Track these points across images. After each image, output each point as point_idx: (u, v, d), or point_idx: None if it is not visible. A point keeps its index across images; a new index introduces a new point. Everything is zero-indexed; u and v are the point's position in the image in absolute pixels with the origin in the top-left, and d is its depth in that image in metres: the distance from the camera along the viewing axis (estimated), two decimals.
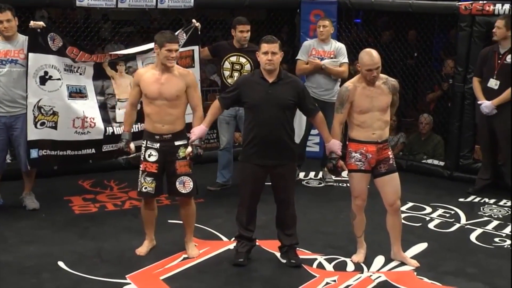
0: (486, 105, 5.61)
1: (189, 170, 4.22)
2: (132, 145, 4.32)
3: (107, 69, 5.34)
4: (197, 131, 4.16)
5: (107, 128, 5.26)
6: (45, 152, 5.05)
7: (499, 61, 5.58)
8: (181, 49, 5.46)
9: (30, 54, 4.88)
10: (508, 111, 5.55)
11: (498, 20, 5.55)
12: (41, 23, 4.95)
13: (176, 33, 5.49)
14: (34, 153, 5.00)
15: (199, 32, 5.52)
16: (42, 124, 5.00)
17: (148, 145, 4.21)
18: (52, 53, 4.98)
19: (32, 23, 4.91)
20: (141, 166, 4.25)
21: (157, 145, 4.18)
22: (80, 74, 5.20)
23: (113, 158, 5.61)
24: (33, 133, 4.97)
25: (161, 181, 4.27)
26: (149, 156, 4.20)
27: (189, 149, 4.13)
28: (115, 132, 5.24)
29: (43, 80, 4.96)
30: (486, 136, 5.77)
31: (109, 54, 5.50)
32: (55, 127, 5.06)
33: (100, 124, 5.21)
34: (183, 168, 4.20)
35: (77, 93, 5.16)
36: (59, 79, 5.03)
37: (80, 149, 5.20)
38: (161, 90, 4.12)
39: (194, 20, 5.52)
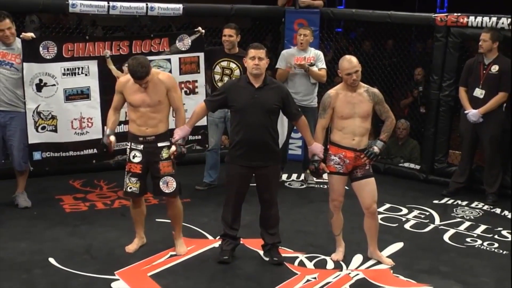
0: (473, 113, 5.73)
1: (172, 170, 4.30)
2: (112, 137, 4.33)
3: (113, 69, 5.43)
4: (181, 131, 4.26)
5: (106, 127, 5.37)
6: (48, 154, 5.24)
7: (484, 72, 5.70)
8: (186, 55, 5.63)
9: (24, 64, 5.03)
10: (493, 119, 5.70)
11: (483, 34, 5.64)
12: (31, 35, 5.09)
13: (180, 36, 5.62)
14: (37, 155, 5.19)
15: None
16: (43, 128, 5.20)
17: (132, 146, 4.30)
18: (46, 62, 5.12)
19: (22, 35, 5.04)
20: (126, 167, 4.35)
21: (141, 147, 4.27)
22: (86, 75, 5.33)
23: (116, 157, 5.67)
24: (35, 137, 5.16)
25: (145, 181, 4.35)
26: (133, 157, 4.29)
27: (173, 148, 4.23)
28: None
29: (39, 87, 5.14)
30: (469, 143, 5.91)
31: (104, 38, 5.57)
32: (55, 130, 5.25)
33: (98, 123, 5.39)
34: (166, 169, 4.28)
35: (77, 94, 5.32)
36: (54, 85, 5.20)
37: (82, 150, 5.39)
38: (144, 98, 4.20)
39: (199, 28, 5.67)
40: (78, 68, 5.30)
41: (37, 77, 5.12)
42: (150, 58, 5.41)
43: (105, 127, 4.49)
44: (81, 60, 5.30)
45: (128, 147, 4.33)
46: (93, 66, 5.36)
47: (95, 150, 5.41)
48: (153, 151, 4.27)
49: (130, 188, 4.33)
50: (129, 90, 4.25)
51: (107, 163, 6.02)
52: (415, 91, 7.17)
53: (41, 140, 5.19)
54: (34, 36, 5.12)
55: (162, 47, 5.59)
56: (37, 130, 5.17)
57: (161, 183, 4.29)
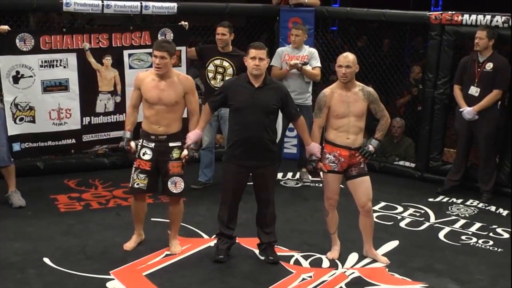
0: (468, 111, 5.76)
1: (181, 171, 4.34)
2: (132, 144, 4.37)
3: (93, 62, 5.48)
4: (193, 136, 4.30)
5: (84, 118, 5.49)
6: (27, 145, 5.29)
7: (478, 69, 5.73)
8: None
9: (1, 57, 5.05)
10: (488, 117, 5.72)
11: (479, 31, 5.67)
12: (6, 27, 5.09)
13: (162, 29, 5.65)
14: (16, 147, 5.25)
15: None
16: (21, 119, 5.24)
17: (144, 144, 4.32)
18: (23, 54, 5.14)
19: None
20: (134, 163, 4.37)
21: (152, 145, 4.30)
22: (64, 67, 5.37)
23: (94, 148, 5.83)
24: (14, 129, 5.20)
25: (154, 179, 4.37)
26: (143, 154, 4.32)
27: (185, 152, 4.29)
28: (92, 122, 5.54)
29: (16, 79, 5.17)
30: (464, 141, 5.95)
31: (82, 31, 5.62)
32: (33, 121, 5.29)
33: (76, 114, 5.47)
34: (176, 169, 4.32)
35: (55, 86, 5.37)
36: (31, 76, 5.23)
37: (60, 140, 5.45)
38: (161, 96, 4.23)
39: (183, 22, 5.70)
40: (57, 61, 5.34)
41: (13, 69, 5.15)
42: (131, 51, 5.57)
43: (124, 130, 4.48)
44: (59, 53, 5.34)
45: (140, 143, 4.34)
46: (72, 58, 5.40)
47: (74, 140, 5.50)
48: (164, 150, 4.30)
49: (138, 184, 4.35)
50: (146, 87, 4.28)
51: (102, 161, 6.04)
52: (414, 89, 7.16)
53: (19, 131, 5.23)
54: (10, 29, 5.13)
55: (144, 40, 5.63)
56: (15, 122, 5.21)
57: (169, 183, 4.32)
